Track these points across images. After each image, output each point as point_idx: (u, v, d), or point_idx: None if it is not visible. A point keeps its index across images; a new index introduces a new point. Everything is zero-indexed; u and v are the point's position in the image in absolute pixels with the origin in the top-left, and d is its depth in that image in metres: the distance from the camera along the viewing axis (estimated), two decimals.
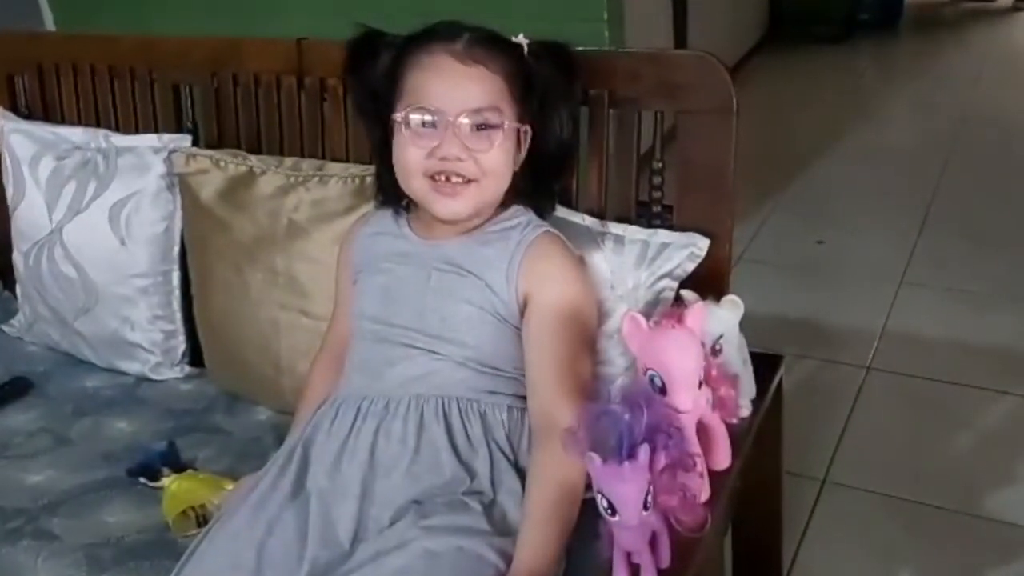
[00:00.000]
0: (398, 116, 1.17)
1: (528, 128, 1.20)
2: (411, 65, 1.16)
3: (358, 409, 1.19)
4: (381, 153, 1.24)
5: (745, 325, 1.20)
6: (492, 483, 1.14)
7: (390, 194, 1.27)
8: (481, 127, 1.14)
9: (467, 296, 1.19)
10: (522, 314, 1.18)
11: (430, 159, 1.15)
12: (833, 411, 2.17)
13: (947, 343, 2.38)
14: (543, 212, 1.27)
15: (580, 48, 1.36)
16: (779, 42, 4.76)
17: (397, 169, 1.20)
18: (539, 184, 1.26)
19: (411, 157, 1.16)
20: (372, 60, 1.21)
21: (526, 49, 1.20)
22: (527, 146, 1.21)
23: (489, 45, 1.16)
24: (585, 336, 1.20)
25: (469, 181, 1.16)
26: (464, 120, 1.13)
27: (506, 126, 1.16)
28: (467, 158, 1.14)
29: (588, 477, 1.00)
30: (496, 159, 1.16)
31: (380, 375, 1.20)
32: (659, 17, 3.41)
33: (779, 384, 1.36)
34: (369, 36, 1.23)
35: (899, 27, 4.97)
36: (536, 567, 1.03)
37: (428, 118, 1.14)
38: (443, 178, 1.16)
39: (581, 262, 1.24)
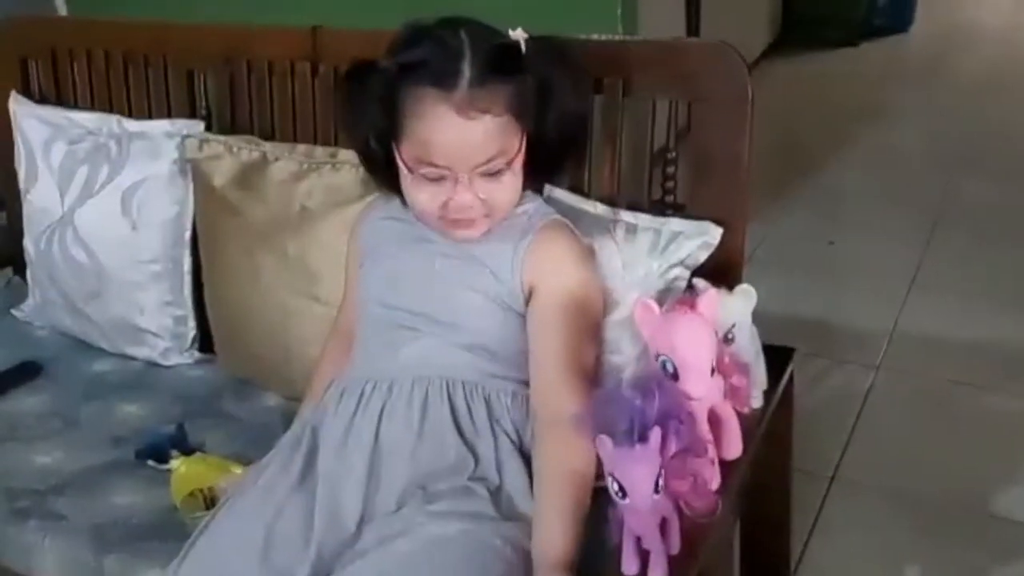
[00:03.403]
0: (404, 168, 1.15)
1: (533, 127, 1.16)
2: (410, 112, 1.11)
3: (362, 392, 1.19)
4: (381, 166, 1.22)
5: (756, 322, 1.19)
6: (497, 468, 1.14)
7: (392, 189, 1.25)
8: (492, 173, 1.13)
9: (472, 283, 1.19)
10: (527, 302, 1.18)
11: (444, 208, 1.14)
12: (843, 410, 2.16)
13: (957, 344, 2.37)
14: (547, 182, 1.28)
15: (596, 37, 1.36)
16: (791, 45, 4.75)
17: (409, 202, 1.19)
18: (543, 172, 1.24)
19: (425, 205, 1.16)
20: (365, 87, 1.16)
21: (524, 47, 1.15)
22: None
23: (491, 81, 1.09)
24: (589, 325, 1.19)
25: (484, 214, 1.16)
26: (474, 173, 1.12)
27: (516, 161, 1.14)
28: (479, 203, 1.14)
29: (599, 465, 1.00)
30: (506, 194, 1.16)
31: (385, 358, 1.20)
32: (672, 18, 3.40)
33: (790, 377, 1.36)
34: (360, 65, 1.18)
35: (912, 32, 4.96)
36: (560, 556, 1.03)
37: (436, 173, 1.12)
38: (460, 217, 1.16)
39: (587, 251, 1.23)
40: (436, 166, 1.11)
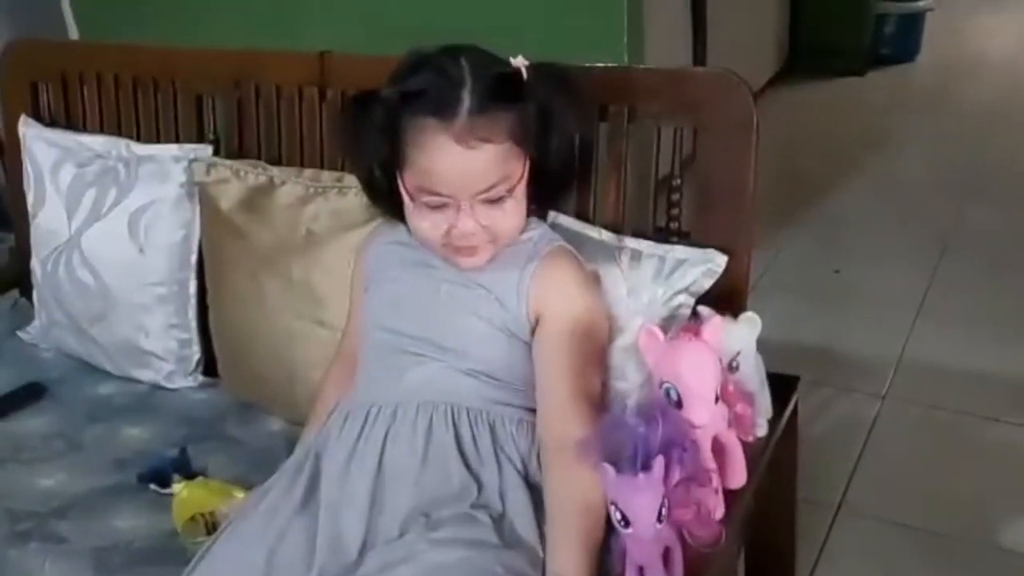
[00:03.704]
0: (405, 195, 1.16)
1: (535, 153, 1.17)
2: (411, 141, 1.11)
3: (366, 416, 1.18)
4: (384, 194, 1.23)
5: (761, 351, 1.19)
6: (501, 496, 1.13)
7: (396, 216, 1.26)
8: (494, 199, 1.13)
9: (477, 310, 1.18)
10: (533, 331, 1.18)
11: (447, 235, 1.15)
12: (849, 439, 2.14)
13: (965, 373, 2.36)
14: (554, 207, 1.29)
15: (600, 64, 1.37)
16: (798, 74, 4.76)
17: (412, 230, 1.20)
18: (546, 198, 1.25)
19: (427, 232, 1.16)
20: (367, 117, 1.16)
21: (525, 73, 1.15)
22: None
23: (492, 109, 1.09)
24: (595, 351, 1.19)
25: (488, 241, 1.16)
26: (476, 200, 1.12)
27: (518, 188, 1.14)
28: (482, 230, 1.14)
29: None
30: (509, 221, 1.16)
31: (389, 383, 1.20)
32: (679, 46, 3.42)
33: (795, 405, 1.35)
34: (362, 96, 1.18)
35: (918, 61, 4.97)
36: None
37: (438, 201, 1.13)
38: (463, 244, 1.16)
39: (592, 277, 1.23)
40: (438, 194, 1.12)
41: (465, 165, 1.10)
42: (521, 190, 1.16)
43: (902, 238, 3.12)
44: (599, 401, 1.17)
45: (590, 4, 2.44)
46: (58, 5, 2.76)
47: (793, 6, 4.84)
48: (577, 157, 1.31)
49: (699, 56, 3.52)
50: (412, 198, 1.15)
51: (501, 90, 1.11)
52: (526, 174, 1.15)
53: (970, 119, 4.18)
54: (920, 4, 4.92)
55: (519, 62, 1.16)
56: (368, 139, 1.17)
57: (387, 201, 1.23)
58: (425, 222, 1.16)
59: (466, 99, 1.09)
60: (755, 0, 4.42)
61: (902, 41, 4.94)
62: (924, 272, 2.86)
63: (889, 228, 3.21)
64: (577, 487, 1.05)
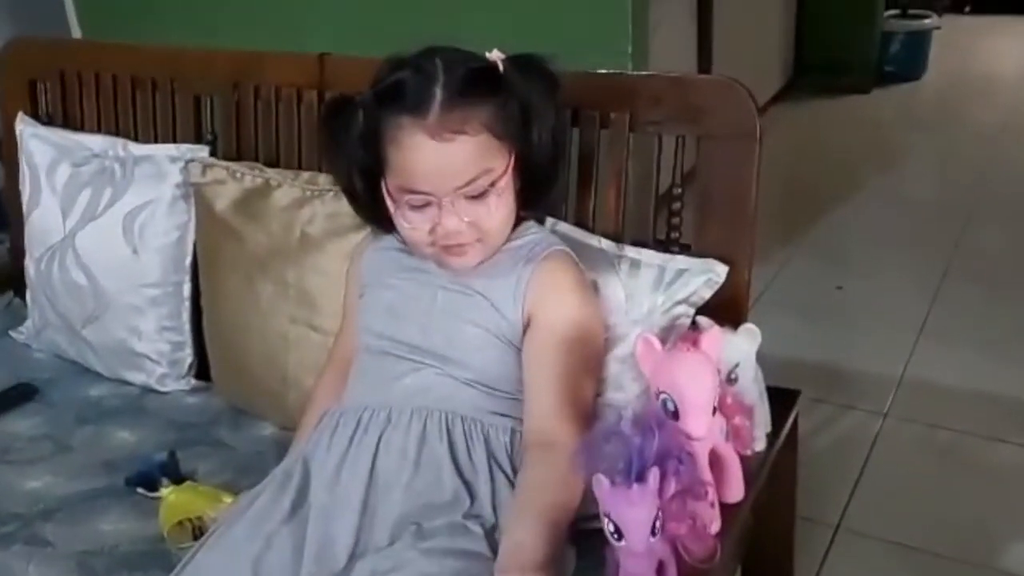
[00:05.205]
0: (388, 199, 1.15)
1: (519, 147, 1.15)
2: (388, 140, 1.11)
3: (359, 420, 1.16)
4: (367, 202, 1.22)
5: (762, 366, 1.17)
6: (493, 506, 1.12)
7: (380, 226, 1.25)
8: (476, 195, 1.12)
9: (473, 317, 1.17)
10: (525, 333, 1.16)
11: (433, 235, 1.13)
12: (849, 457, 2.12)
13: (967, 393, 2.34)
14: (553, 213, 1.27)
15: (602, 71, 1.35)
16: (803, 90, 4.76)
17: (402, 234, 1.19)
18: (536, 194, 1.22)
19: (412, 234, 1.15)
20: (345, 123, 1.16)
21: (501, 67, 1.14)
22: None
23: (464, 102, 1.09)
24: (589, 358, 1.17)
25: (476, 239, 1.15)
26: (457, 196, 1.11)
27: (500, 181, 1.13)
28: (468, 227, 1.13)
29: (595, 505, 0.97)
30: (496, 218, 1.14)
31: (384, 387, 1.18)
32: (683, 60, 3.41)
33: (795, 420, 1.33)
34: (339, 101, 1.19)
35: (924, 80, 4.97)
36: (536, 561, 0.98)
37: (420, 200, 1.12)
38: (450, 243, 1.14)
39: (591, 283, 1.22)
40: (418, 192, 1.11)
41: (441, 159, 1.09)
42: (505, 185, 1.13)
43: (905, 256, 3.11)
44: (590, 409, 1.15)
45: (593, 17, 2.43)
46: (61, 5, 2.75)
47: (799, 22, 4.85)
48: (565, 151, 1.27)
49: (704, 70, 3.53)
50: (395, 201, 1.14)
51: (474, 83, 1.10)
52: (510, 168, 1.14)
53: (975, 138, 4.18)
54: (926, 23, 4.93)
55: (495, 55, 1.15)
56: (347, 144, 1.17)
57: (369, 209, 1.22)
58: (409, 223, 1.14)
59: (438, 93, 1.08)
60: (761, 15, 4.42)
61: (908, 59, 4.94)
62: (927, 290, 2.85)
63: (892, 245, 3.20)
64: (554, 488, 1.03)
